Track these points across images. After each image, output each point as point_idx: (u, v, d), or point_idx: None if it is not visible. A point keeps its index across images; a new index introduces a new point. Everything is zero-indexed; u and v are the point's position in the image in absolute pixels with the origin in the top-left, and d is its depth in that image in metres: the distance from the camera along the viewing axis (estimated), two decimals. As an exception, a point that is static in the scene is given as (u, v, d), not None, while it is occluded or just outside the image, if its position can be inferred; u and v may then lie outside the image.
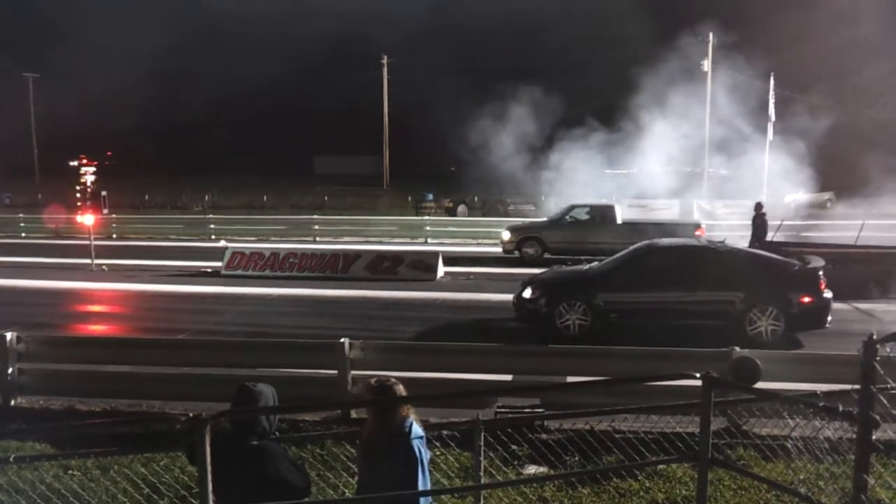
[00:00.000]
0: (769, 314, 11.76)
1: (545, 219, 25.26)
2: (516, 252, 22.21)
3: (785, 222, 20.70)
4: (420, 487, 3.99)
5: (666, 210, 32.96)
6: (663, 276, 12.36)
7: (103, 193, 21.13)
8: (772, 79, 36.61)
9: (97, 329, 14.41)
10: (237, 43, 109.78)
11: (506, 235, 22.57)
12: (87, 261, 20.66)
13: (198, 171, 79.17)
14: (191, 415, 3.58)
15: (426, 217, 34.57)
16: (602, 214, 22.62)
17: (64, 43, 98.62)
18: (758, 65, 36.46)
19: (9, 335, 9.21)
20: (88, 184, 22.50)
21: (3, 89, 77.64)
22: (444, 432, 7.02)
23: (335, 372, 8.67)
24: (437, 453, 6.99)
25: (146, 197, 45.99)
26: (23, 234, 31.39)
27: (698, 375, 4.05)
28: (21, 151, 79.88)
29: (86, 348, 10.18)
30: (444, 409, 7.96)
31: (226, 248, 20.80)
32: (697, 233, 20.13)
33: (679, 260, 12.84)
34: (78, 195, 21.08)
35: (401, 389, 4.18)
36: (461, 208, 38.84)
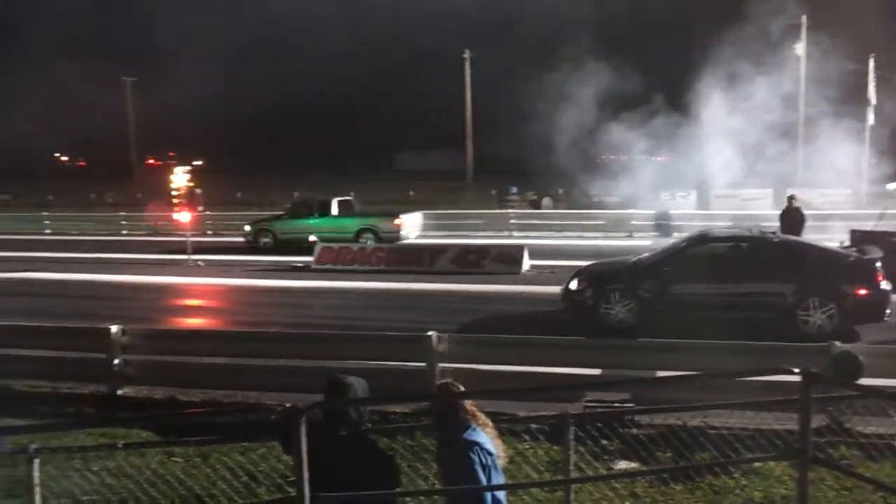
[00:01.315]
0: (821, 307, 11.29)
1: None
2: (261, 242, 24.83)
3: (888, 211, 19.76)
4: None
5: (759, 200, 31.81)
6: (712, 267, 12.07)
7: (198, 191, 21.94)
8: (871, 60, 34.81)
9: (195, 322, 14.99)
10: (318, 40, 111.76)
11: (246, 227, 25.54)
12: (185, 256, 21.48)
13: (284, 169, 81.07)
14: (286, 406, 3.69)
15: (510, 210, 34.46)
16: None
17: (154, 45, 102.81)
18: (854, 46, 34.71)
19: (114, 328, 9.73)
20: (183, 182, 23.33)
21: (104, 93, 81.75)
22: (533, 426, 7.02)
23: (424, 364, 8.77)
24: (526, 447, 7.00)
25: (238, 194, 47.44)
26: (123, 232, 32.90)
27: (797, 371, 3.92)
28: (120, 152, 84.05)
29: (185, 341, 10.67)
30: (532, 402, 7.95)
31: (315, 243, 21.27)
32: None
33: (729, 250, 12.50)
34: (174, 193, 21.96)
35: (459, 391, 4.27)
36: (546, 201, 38.49)
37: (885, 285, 11.31)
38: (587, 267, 13.86)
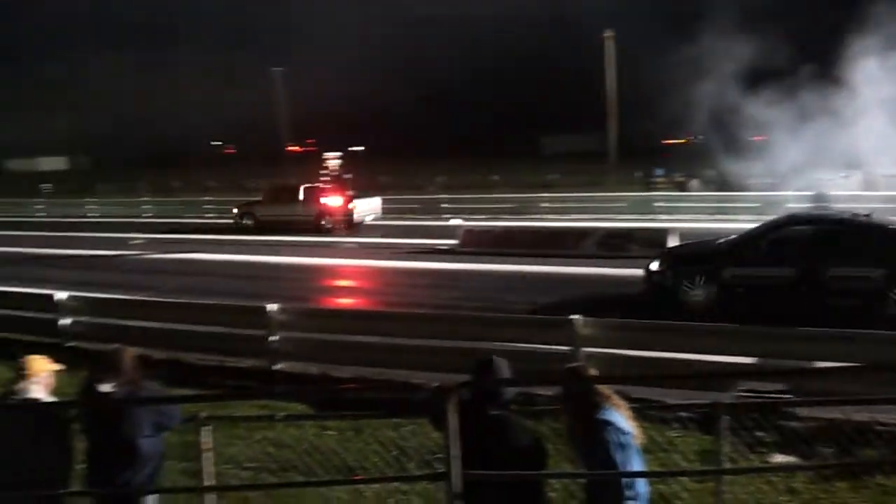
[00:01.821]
0: None
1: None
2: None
3: None
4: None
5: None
6: (794, 250, 11.71)
7: (347, 177, 22.76)
8: None
9: (346, 302, 15.60)
10: (461, 25, 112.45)
11: (234, 210, 28.73)
12: (336, 239, 22.36)
13: (428, 152, 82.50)
14: (434, 384, 3.79)
15: (656, 193, 33.48)
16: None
17: (302, 35, 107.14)
18: None
19: (273, 307, 10.29)
20: (334, 168, 24.24)
21: (256, 83, 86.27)
22: (682, 414, 6.84)
23: (568, 348, 8.73)
24: (674, 435, 6.83)
25: (382, 179, 48.83)
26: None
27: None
28: (268, 139, 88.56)
29: (336, 320, 11.14)
30: (682, 389, 7.73)
31: (459, 226, 21.56)
32: None
33: (815, 233, 11.91)
34: (325, 179, 22.87)
35: (591, 374, 4.22)
36: (694, 183, 37.03)
37: None
38: (671, 248, 13.44)
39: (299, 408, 8.16)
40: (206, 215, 34.90)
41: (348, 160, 26.46)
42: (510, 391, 4.26)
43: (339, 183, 22.55)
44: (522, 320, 9.99)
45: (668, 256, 13.11)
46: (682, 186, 36.98)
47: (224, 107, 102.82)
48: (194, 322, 11.28)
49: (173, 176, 60.08)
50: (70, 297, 12.04)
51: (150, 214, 37.01)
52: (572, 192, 34.04)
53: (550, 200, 31.16)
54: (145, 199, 42.81)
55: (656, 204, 28.85)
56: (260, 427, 7.26)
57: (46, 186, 57.58)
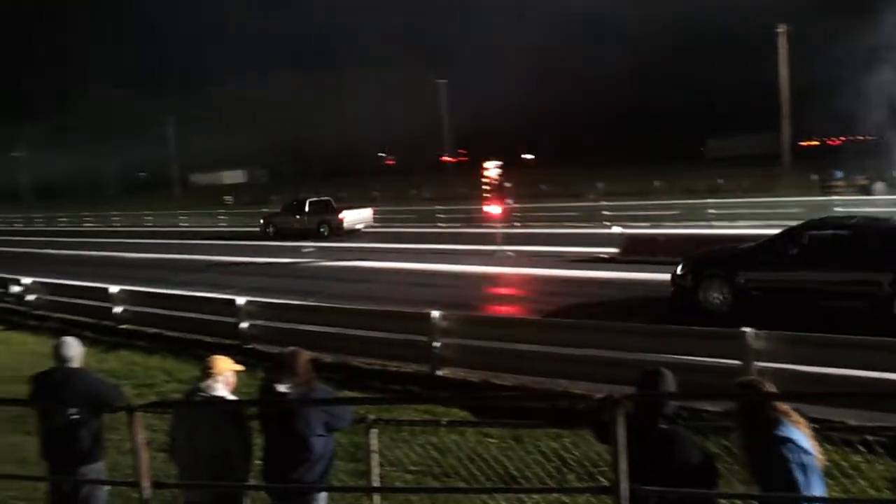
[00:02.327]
0: None
1: None
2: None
3: None
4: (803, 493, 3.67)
5: None
6: (810, 254, 11.90)
7: (506, 185, 22.86)
8: None
9: (506, 310, 15.67)
10: (621, 27, 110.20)
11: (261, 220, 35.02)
12: (496, 247, 22.52)
13: (587, 159, 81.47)
14: (597, 395, 3.71)
15: (834, 197, 31.19)
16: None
17: (460, 48, 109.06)
18: None
19: (436, 314, 10.51)
20: (494, 177, 24.41)
21: (421, 95, 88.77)
22: (869, 437, 6.31)
23: (738, 362, 8.31)
24: (859, 460, 6.32)
25: (542, 187, 48.66)
26: (440, 224, 35.30)
27: None
28: (429, 150, 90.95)
29: (497, 327, 11.20)
30: (867, 411, 7.14)
31: (620, 234, 21.10)
32: None
33: (827, 239, 12.04)
34: (485, 188, 23.08)
35: (769, 388, 4.00)
36: (878, 186, 34.18)
37: None
38: (696, 252, 13.65)
39: (460, 414, 8.27)
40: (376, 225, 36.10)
41: (509, 168, 26.52)
42: (674, 405, 4.11)
43: (498, 191, 22.64)
44: (691, 332, 9.57)
45: (690, 260, 13.45)
46: (865, 190, 34.24)
47: (388, 119, 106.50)
48: (361, 327, 11.75)
49: (341, 187, 62.96)
50: (248, 302, 12.89)
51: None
52: (741, 198, 32.45)
53: (717, 206, 29.80)
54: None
55: (836, 209, 26.87)
56: (423, 431, 7.41)
57: (228, 198, 62.02)
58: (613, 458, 3.63)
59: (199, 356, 12.37)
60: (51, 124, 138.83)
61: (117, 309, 15.37)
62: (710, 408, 8.07)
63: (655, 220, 29.44)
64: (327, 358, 11.10)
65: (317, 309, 12.99)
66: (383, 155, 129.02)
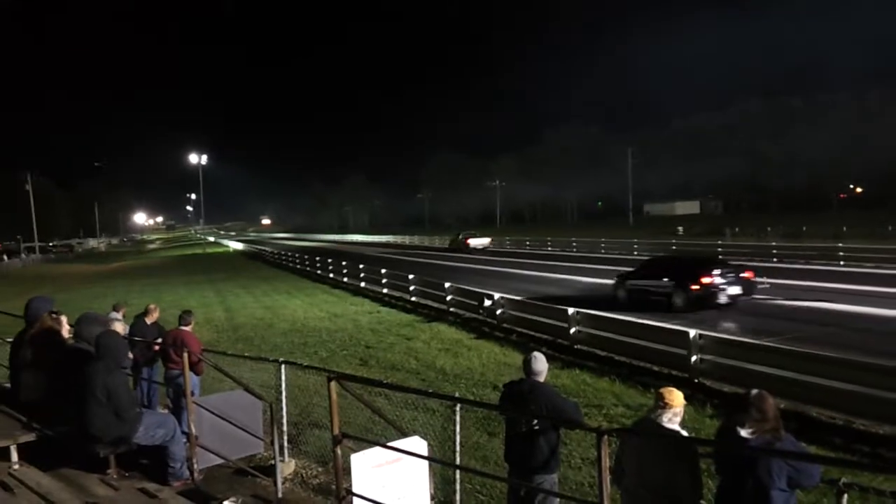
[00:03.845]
0: None
1: None
2: None
3: None
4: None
5: None
6: (647, 271, 22.66)
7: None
8: None
9: None
10: None
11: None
12: None
13: None
14: None
15: None
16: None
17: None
18: None
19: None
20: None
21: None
22: None
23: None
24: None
25: None
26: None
27: None
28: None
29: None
30: None
31: None
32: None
33: (656, 262, 24.17)
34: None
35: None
36: None
37: None
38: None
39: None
40: (839, 262, 32.84)
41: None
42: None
43: None
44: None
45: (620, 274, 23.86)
46: None
47: (861, 145, 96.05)
48: (816, 374, 10.59)
49: (805, 221, 58.97)
50: (697, 335, 12.64)
51: (776, 259, 36.55)
52: None
53: None
54: (773, 243, 42.60)
55: None
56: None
57: (679, 229, 62.02)
58: None
59: (645, 384, 12.61)
60: (523, 155, 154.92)
61: (572, 329, 16.36)
62: None
63: None
64: (781, 403, 10.28)
65: (768, 349, 11.92)
66: (852, 186, 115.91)
